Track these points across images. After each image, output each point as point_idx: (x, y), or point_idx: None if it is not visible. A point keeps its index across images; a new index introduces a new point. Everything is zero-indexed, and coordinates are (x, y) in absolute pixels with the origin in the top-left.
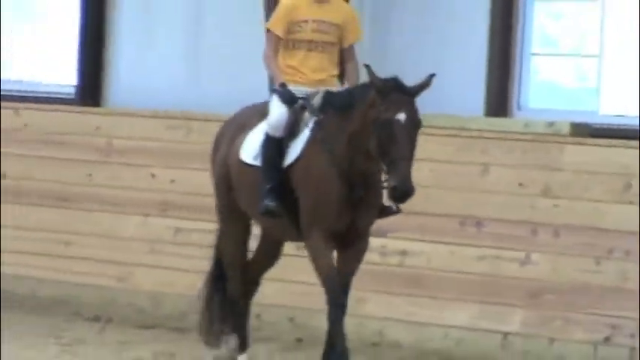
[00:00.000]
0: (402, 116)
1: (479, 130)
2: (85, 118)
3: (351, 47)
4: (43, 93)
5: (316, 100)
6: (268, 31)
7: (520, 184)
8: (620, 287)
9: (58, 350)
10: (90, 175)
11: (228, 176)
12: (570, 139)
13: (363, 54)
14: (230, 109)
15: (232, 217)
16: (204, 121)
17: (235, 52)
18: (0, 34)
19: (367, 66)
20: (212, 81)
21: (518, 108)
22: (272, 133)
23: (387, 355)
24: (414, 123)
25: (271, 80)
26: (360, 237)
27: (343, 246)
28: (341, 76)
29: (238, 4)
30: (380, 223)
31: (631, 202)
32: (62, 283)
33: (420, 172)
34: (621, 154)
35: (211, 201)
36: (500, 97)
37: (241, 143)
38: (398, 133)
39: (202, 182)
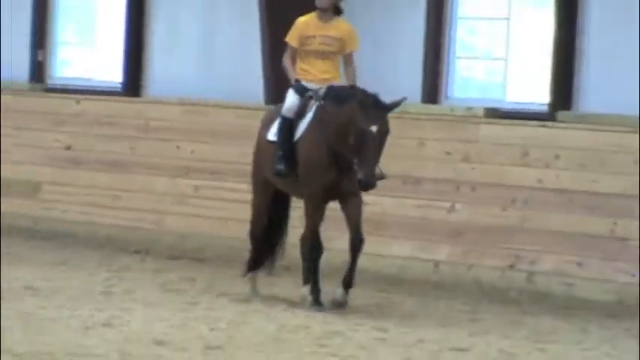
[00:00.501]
0: (374, 128)
1: (417, 114)
2: (128, 105)
3: (350, 55)
4: (97, 87)
5: (321, 91)
6: (287, 43)
7: (447, 153)
8: (521, 227)
9: (108, 275)
10: (132, 147)
11: (260, 154)
12: (484, 120)
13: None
14: (234, 98)
15: (259, 187)
16: (215, 107)
17: (238, 56)
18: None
19: (352, 85)
20: (221, 77)
21: (446, 97)
22: (286, 114)
23: None
24: (384, 133)
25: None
26: (352, 194)
27: (342, 201)
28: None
29: (242, 19)
30: None
31: (528, 166)
32: (112, 227)
33: None
34: (521, 131)
35: (220, 166)
36: (432, 88)
37: (269, 130)
38: (369, 140)
39: (214, 152)
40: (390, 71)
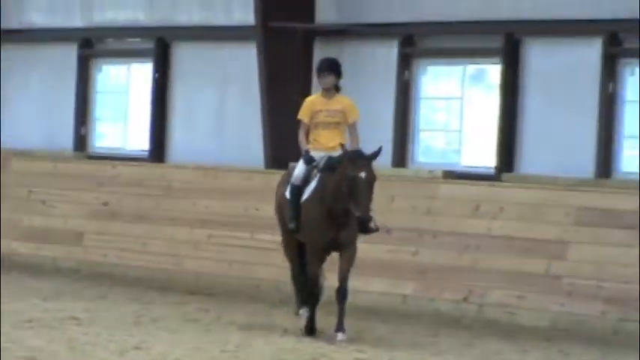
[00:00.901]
0: (362, 174)
1: (388, 175)
2: (154, 169)
3: (353, 124)
4: (128, 154)
5: (322, 162)
6: (299, 120)
7: (412, 207)
8: (473, 267)
9: (138, 307)
10: (157, 204)
11: (281, 210)
12: (442, 180)
13: None
14: (240, 163)
15: (287, 238)
16: (225, 170)
17: (244, 129)
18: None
19: (342, 145)
20: (230, 146)
21: (412, 162)
22: (295, 182)
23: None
24: (371, 177)
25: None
26: (347, 246)
27: (339, 252)
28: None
29: (247, 98)
30: None
31: (479, 217)
32: (141, 268)
33: None
34: (473, 189)
35: (230, 218)
36: (400, 155)
37: (286, 188)
38: (360, 185)
39: (224, 207)
40: (367, 141)
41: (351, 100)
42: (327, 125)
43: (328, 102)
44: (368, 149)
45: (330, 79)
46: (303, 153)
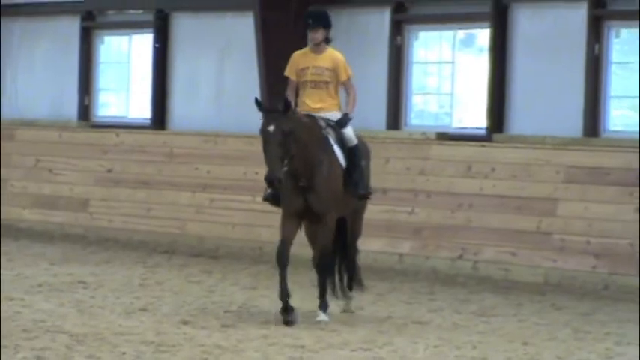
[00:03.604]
0: (270, 127)
1: (383, 138)
2: (156, 137)
3: (347, 82)
4: (131, 123)
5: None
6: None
7: (407, 168)
8: (466, 226)
9: (144, 270)
10: (160, 170)
11: None
12: (435, 142)
13: None
14: (239, 129)
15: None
16: (225, 136)
17: (243, 95)
18: (99, 87)
19: (257, 99)
20: (229, 112)
21: (405, 125)
22: None
23: None
24: (277, 131)
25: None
26: (319, 219)
27: (311, 222)
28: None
29: (245, 64)
30: None
31: (471, 177)
32: (145, 232)
33: None
34: (465, 150)
35: (230, 182)
36: (394, 118)
37: None
38: (264, 139)
39: (225, 172)
40: (362, 105)
41: (342, 56)
42: (314, 84)
43: (316, 58)
44: (360, 116)
45: (319, 34)
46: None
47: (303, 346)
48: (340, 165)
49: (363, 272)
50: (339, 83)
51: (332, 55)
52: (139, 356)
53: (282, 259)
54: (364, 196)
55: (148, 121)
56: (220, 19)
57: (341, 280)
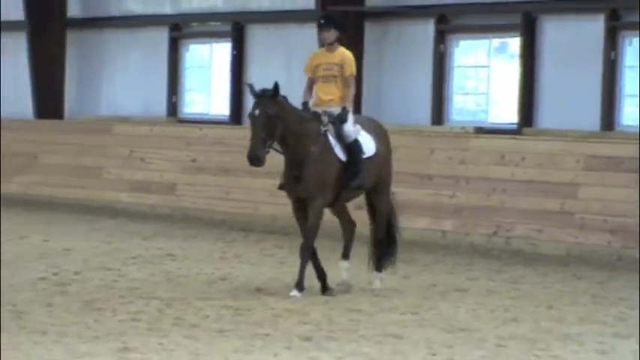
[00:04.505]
0: (256, 111)
1: (428, 132)
2: (234, 130)
3: (348, 78)
4: (212, 118)
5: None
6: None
7: (449, 158)
8: (500, 207)
9: (223, 245)
10: (237, 158)
11: None
12: (473, 135)
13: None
14: None
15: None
16: None
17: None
18: (185, 88)
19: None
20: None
21: (447, 120)
22: None
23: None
24: (262, 112)
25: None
26: (310, 200)
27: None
28: None
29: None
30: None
31: (504, 165)
32: (225, 212)
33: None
34: (499, 142)
35: None
36: (438, 115)
37: None
38: (251, 121)
39: None
40: (410, 103)
41: (350, 54)
42: (325, 78)
43: (329, 56)
44: (409, 112)
45: (329, 34)
46: (301, 104)
47: (360, 310)
48: (337, 158)
49: (411, 247)
50: (343, 78)
51: (342, 52)
52: (219, 318)
53: (312, 253)
54: (356, 187)
55: (227, 117)
56: (286, 30)
57: (375, 256)
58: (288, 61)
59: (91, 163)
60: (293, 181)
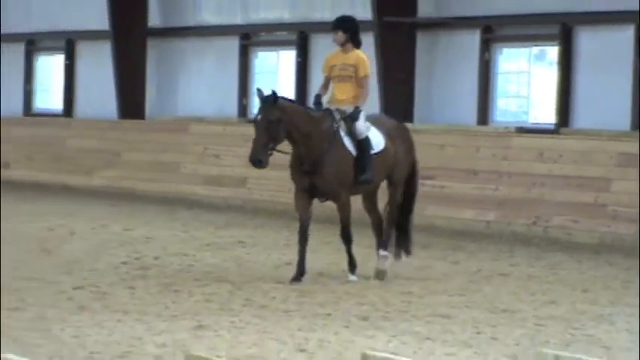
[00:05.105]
0: (258, 117)
1: (474, 131)
2: None
3: (362, 79)
4: None
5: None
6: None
7: (493, 155)
8: (539, 199)
9: (288, 233)
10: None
11: None
12: (515, 134)
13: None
14: None
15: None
16: None
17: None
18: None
19: (259, 90)
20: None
21: (492, 121)
22: None
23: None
24: (264, 118)
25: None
26: (333, 197)
27: (322, 199)
28: None
29: None
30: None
31: (543, 162)
32: (288, 204)
33: (447, 150)
34: (538, 140)
35: None
36: (483, 116)
37: None
38: (255, 126)
39: None
40: (458, 106)
41: (365, 56)
42: (341, 78)
43: (344, 57)
44: (456, 113)
45: (338, 36)
46: (315, 96)
47: (412, 293)
48: (349, 152)
49: (458, 236)
50: (358, 78)
51: (357, 54)
52: (285, 300)
53: (302, 238)
54: (364, 182)
55: None
56: None
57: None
58: None
59: (169, 159)
60: (302, 175)
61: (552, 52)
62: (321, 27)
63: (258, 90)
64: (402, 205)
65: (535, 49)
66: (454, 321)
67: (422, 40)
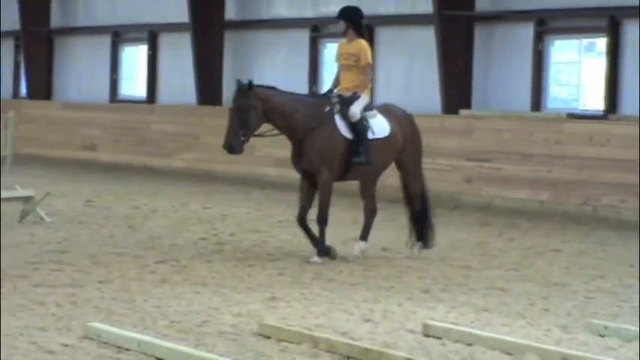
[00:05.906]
0: (231, 104)
1: (528, 117)
2: None
3: (363, 67)
4: None
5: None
6: None
7: (545, 139)
8: (589, 180)
9: (356, 212)
10: None
11: None
12: (567, 120)
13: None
14: (424, 109)
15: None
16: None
17: (428, 85)
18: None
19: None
20: (418, 99)
21: (544, 107)
22: None
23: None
24: (235, 106)
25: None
26: (316, 175)
27: (311, 181)
28: None
29: (429, 64)
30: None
31: (592, 145)
32: (355, 184)
33: (503, 135)
34: (588, 126)
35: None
36: (537, 103)
37: None
38: (230, 113)
39: None
40: (513, 93)
41: (366, 44)
42: (345, 67)
43: (348, 46)
44: (511, 100)
45: (338, 26)
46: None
47: (470, 267)
48: (341, 134)
49: (513, 214)
50: (359, 67)
51: (359, 43)
52: (351, 273)
53: (301, 222)
54: (361, 163)
55: None
56: (408, 32)
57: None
58: (410, 61)
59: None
60: (297, 158)
61: (601, 43)
62: (385, 20)
63: (237, 80)
64: (411, 198)
65: (585, 41)
66: (509, 294)
67: (479, 32)
